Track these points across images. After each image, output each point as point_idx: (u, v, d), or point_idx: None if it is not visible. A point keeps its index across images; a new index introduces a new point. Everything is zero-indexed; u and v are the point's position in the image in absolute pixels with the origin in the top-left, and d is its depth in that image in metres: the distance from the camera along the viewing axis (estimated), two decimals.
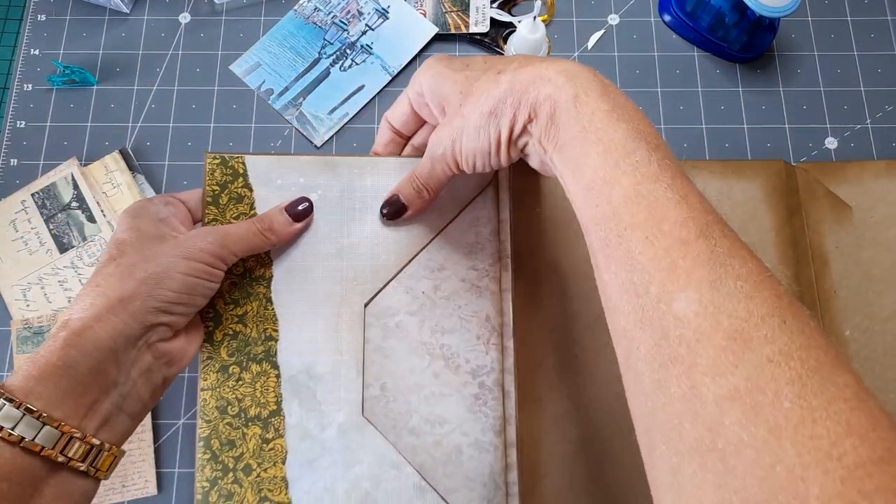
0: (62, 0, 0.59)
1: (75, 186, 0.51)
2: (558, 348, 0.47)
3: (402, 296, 0.47)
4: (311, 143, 0.54)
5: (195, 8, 0.59)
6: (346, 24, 0.57)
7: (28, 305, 0.49)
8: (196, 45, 0.57)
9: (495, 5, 0.57)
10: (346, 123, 0.55)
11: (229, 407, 0.45)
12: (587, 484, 0.44)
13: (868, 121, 0.55)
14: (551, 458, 0.45)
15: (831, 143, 0.55)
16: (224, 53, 0.57)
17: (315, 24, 0.57)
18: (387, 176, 0.48)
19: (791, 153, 0.54)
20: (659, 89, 0.56)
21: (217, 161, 0.46)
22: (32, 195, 0.51)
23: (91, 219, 0.51)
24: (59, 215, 0.51)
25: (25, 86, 0.56)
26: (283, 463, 0.44)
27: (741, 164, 0.51)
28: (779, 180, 0.50)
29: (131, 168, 0.53)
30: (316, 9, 0.57)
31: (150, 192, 0.52)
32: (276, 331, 0.46)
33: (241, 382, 0.45)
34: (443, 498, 0.44)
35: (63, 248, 0.50)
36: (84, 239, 0.51)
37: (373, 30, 0.57)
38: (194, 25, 0.58)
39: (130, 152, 0.53)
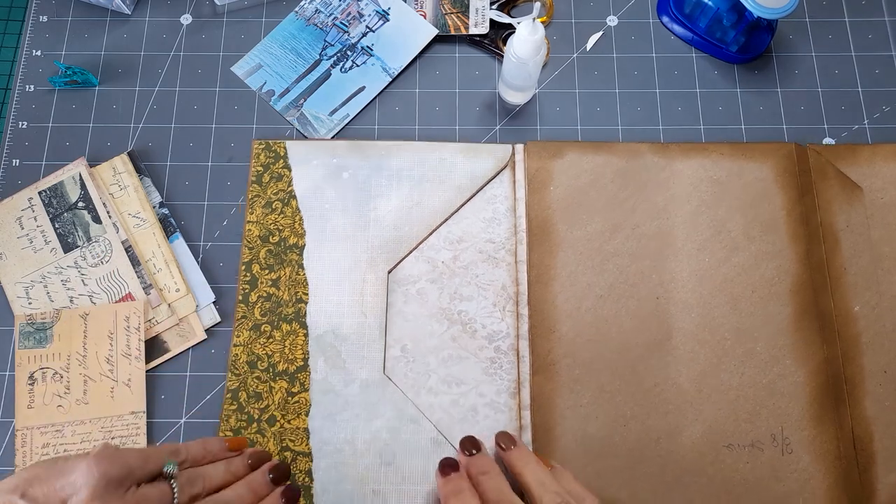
0: (64, 1, 0.63)
1: (82, 186, 0.55)
2: (571, 316, 0.51)
3: (423, 265, 0.53)
4: None
5: (196, 9, 0.63)
6: (346, 26, 0.61)
7: (30, 303, 0.53)
8: (197, 46, 0.61)
9: (494, 7, 0.61)
10: (346, 124, 0.59)
11: (259, 362, 0.51)
12: (600, 447, 0.49)
13: (865, 121, 0.59)
14: (564, 421, 0.49)
15: (829, 143, 0.58)
16: (225, 55, 0.61)
17: (316, 25, 0.61)
18: (410, 158, 0.56)
19: None
20: (657, 90, 0.60)
21: (262, 146, 0.57)
22: (39, 193, 0.55)
23: (97, 219, 0.55)
24: (65, 214, 0.55)
25: (27, 86, 0.60)
26: (307, 415, 0.49)
27: (752, 146, 0.56)
28: (790, 162, 0.55)
29: (139, 171, 0.56)
30: (317, 10, 0.62)
31: (156, 195, 0.56)
32: (307, 294, 0.53)
33: (271, 340, 0.51)
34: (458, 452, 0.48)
35: (68, 247, 0.54)
36: (89, 239, 0.54)
37: (373, 31, 0.61)
38: (196, 27, 0.62)
39: (137, 155, 0.57)
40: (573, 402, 0.49)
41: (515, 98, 0.59)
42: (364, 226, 0.54)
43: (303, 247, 0.54)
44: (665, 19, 0.62)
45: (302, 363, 0.51)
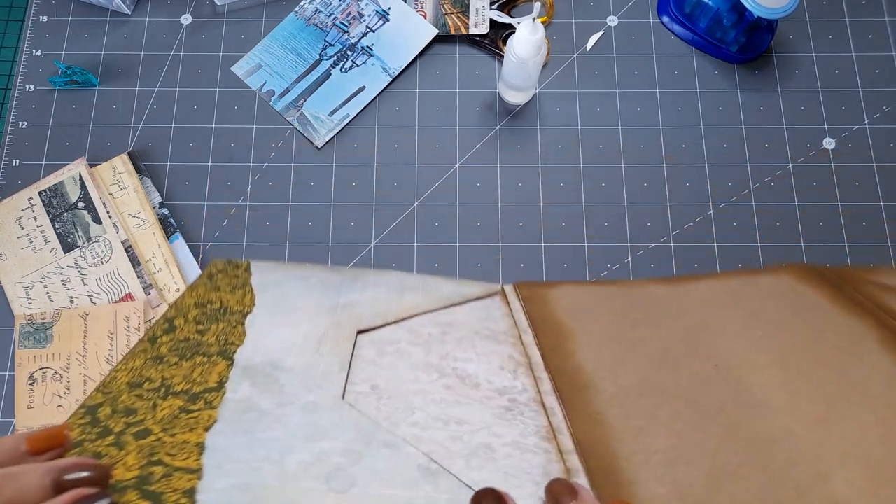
0: (64, 1, 0.63)
1: (83, 186, 0.55)
2: (606, 379, 0.44)
3: (405, 333, 0.44)
4: (312, 143, 0.58)
5: (196, 9, 0.63)
6: (346, 26, 0.61)
7: (30, 303, 0.53)
8: (197, 46, 0.62)
9: (495, 7, 0.61)
10: (346, 124, 0.59)
11: (147, 383, 0.39)
12: (704, 497, 0.39)
13: (866, 121, 0.59)
14: (637, 466, 0.41)
15: (829, 143, 0.59)
16: (225, 55, 0.61)
17: (316, 25, 0.61)
18: (389, 275, 0.49)
19: (789, 154, 0.58)
20: (657, 90, 0.60)
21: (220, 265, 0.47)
22: (39, 193, 0.55)
23: (97, 219, 0.55)
24: (66, 214, 0.55)
25: (27, 86, 0.60)
26: (206, 430, 0.37)
27: (758, 269, 0.51)
28: (805, 270, 0.50)
29: (139, 171, 0.57)
30: (317, 10, 0.62)
31: (156, 195, 0.56)
32: (241, 340, 0.43)
33: (174, 367, 0.41)
34: (467, 486, 0.37)
35: (68, 247, 0.54)
36: (89, 239, 0.54)
37: (373, 31, 0.61)
38: (196, 27, 0.62)
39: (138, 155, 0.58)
40: (642, 447, 0.41)
41: (516, 98, 0.59)
42: (331, 309, 0.45)
43: (248, 313, 0.44)
44: (665, 19, 0.62)
45: (215, 385, 0.39)
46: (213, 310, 0.44)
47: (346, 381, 0.40)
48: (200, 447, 0.36)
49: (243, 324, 0.43)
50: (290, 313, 0.44)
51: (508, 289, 0.51)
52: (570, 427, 0.42)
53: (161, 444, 0.36)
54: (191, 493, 0.34)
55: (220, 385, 0.39)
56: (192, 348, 0.41)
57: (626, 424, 0.42)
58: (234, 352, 0.41)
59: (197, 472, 0.35)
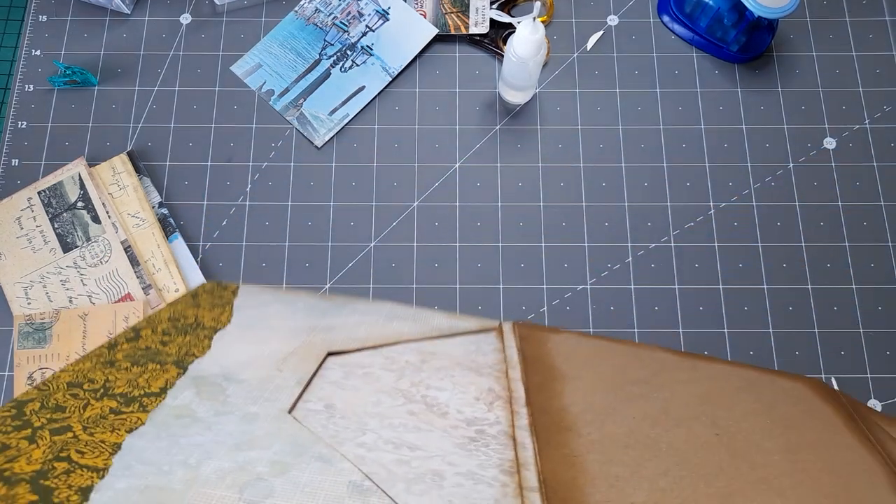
0: (63, 1, 0.63)
1: (82, 186, 0.55)
2: (593, 423, 0.43)
3: (380, 359, 0.42)
4: (312, 143, 0.58)
5: (196, 9, 0.63)
6: (346, 26, 0.61)
7: (29, 303, 0.53)
8: (197, 46, 0.62)
9: (495, 6, 0.61)
10: (346, 124, 0.59)
11: (88, 384, 0.38)
12: None
13: (867, 121, 0.59)
14: None
15: (830, 143, 0.58)
16: (225, 54, 0.61)
17: (316, 25, 0.61)
18: (382, 304, 0.48)
19: (790, 153, 0.58)
20: (658, 90, 0.60)
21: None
22: (39, 193, 0.55)
23: (96, 219, 0.55)
24: (65, 214, 0.55)
25: (27, 86, 0.60)
26: (129, 432, 0.35)
27: (773, 370, 0.50)
28: (822, 387, 0.49)
29: (138, 170, 0.57)
30: (316, 10, 0.62)
31: (155, 195, 0.56)
32: (202, 352, 0.41)
33: (122, 371, 0.40)
34: None
35: (67, 247, 0.54)
36: (88, 239, 0.54)
37: (373, 31, 0.61)
38: (195, 26, 0.62)
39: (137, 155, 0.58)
40: (617, 497, 0.39)
41: (516, 98, 0.59)
42: (309, 328, 0.44)
43: (219, 329, 0.44)
44: (666, 19, 0.62)
45: (157, 391, 0.38)
46: (184, 324, 0.44)
47: (300, 397, 0.39)
48: (116, 447, 0.35)
49: (211, 338, 0.43)
50: (263, 332, 0.43)
51: (507, 326, 0.50)
52: (538, 464, 0.40)
53: (76, 441, 0.34)
54: (86, 491, 0.33)
55: (162, 391, 0.38)
56: (148, 356, 0.41)
57: (604, 471, 0.40)
58: (191, 362, 0.40)
59: (100, 471, 0.34)
